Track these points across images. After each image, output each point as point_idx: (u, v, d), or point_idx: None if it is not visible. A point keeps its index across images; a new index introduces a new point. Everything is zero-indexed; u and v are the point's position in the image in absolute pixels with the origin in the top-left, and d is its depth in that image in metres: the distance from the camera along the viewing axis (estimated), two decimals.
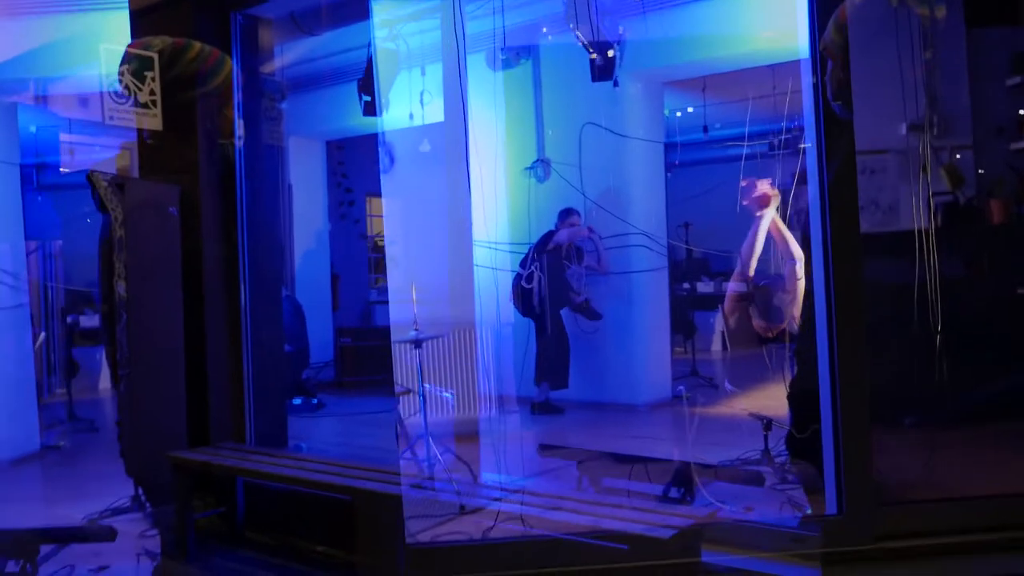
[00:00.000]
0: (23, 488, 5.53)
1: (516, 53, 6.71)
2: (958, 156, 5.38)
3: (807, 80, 3.33)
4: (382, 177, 6.99)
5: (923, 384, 3.99)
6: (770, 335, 4.80)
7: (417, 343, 4.87)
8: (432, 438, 4.77)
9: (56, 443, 6.32)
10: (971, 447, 4.16)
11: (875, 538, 2.99)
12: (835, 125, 3.23)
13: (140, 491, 4.40)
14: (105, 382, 8.95)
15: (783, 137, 9.83)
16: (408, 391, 4.84)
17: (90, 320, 9.18)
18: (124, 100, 5.21)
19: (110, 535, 3.97)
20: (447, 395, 5.36)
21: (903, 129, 4.93)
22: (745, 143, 5.68)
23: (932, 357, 3.82)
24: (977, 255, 5.10)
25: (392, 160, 6.81)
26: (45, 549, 3.84)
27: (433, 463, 4.70)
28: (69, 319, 8.16)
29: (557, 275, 6.59)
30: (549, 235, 6.63)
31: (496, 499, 4.05)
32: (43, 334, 8.18)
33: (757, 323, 4.90)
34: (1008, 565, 3.06)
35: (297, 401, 7.33)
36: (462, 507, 4.19)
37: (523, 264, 6.60)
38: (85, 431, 6.83)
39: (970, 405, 4.28)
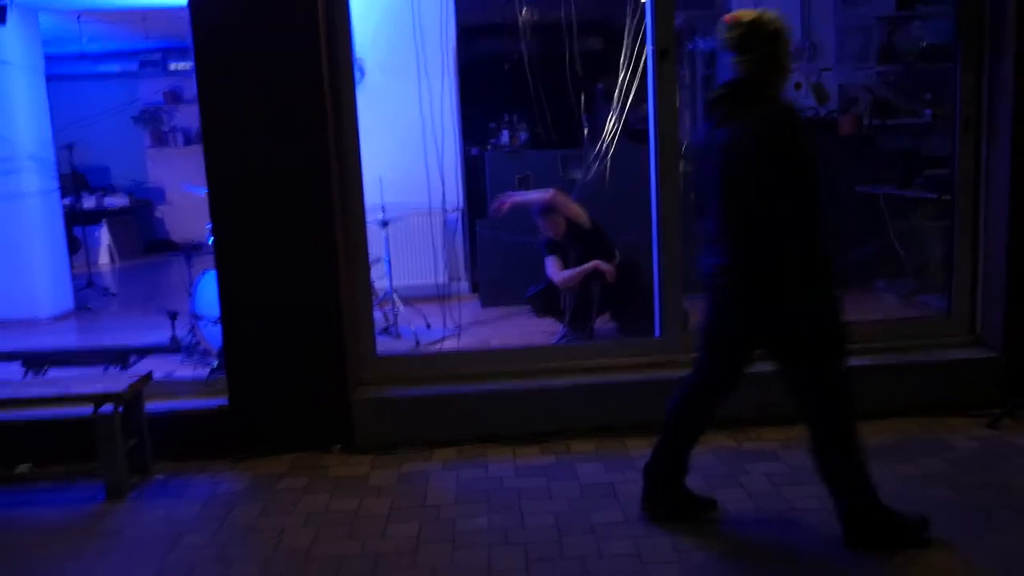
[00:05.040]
0: (74, 335, 6.95)
1: None
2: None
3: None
4: None
5: None
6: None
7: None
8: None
9: (85, 304, 7.71)
10: None
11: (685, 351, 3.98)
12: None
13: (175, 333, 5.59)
14: (104, 257, 10.13)
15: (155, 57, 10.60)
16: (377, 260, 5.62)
17: (88, 201, 9.85)
18: None
19: (179, 348, 5.48)
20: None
21: None
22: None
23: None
24: (830, 159, 5.88)
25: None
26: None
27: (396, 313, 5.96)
28: (67, 200, 8.63)
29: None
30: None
31: (442, 339, 5.45)
32: None
33: None
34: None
35: None
36: (417, 342, 5.57)
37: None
38: (104, 296, 8.32)
39: None
